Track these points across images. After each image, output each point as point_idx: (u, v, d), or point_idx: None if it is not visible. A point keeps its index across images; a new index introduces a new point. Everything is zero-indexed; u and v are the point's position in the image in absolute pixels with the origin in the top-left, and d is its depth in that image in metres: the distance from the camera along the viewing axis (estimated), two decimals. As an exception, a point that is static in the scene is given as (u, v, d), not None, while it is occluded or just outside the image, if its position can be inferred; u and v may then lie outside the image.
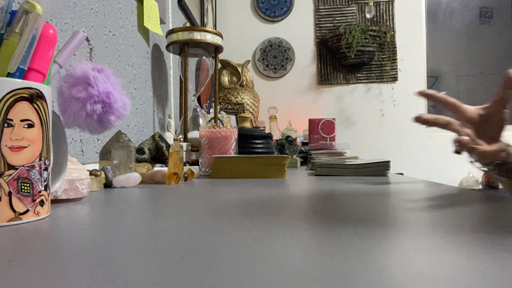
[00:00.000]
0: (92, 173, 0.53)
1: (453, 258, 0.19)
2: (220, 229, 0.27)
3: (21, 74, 0.31)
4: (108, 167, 0.58)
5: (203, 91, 1.99)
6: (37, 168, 0.31)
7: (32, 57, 0.32)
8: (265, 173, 0.76)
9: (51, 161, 0.34)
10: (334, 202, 0.40)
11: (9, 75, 0.30)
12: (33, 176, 0.30)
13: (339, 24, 2.75)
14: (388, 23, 2.73)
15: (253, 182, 0.66)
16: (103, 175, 0.55)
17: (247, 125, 1.38)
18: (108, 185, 0.57)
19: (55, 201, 0.42)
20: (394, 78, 2.72)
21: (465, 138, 0.53)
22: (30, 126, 0.30)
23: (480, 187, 2.64)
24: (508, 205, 0.37)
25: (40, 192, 0.31)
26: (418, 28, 2.73)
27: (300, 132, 2.59)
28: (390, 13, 2.74)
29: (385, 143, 2.72)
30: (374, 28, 2.57)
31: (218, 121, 1.40)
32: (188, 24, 1.35)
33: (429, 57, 2.77)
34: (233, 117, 1.82)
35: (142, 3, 1.17)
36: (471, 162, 0.59)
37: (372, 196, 0.45)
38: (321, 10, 2.79)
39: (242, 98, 2.29)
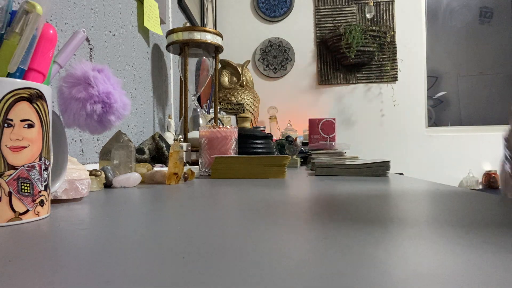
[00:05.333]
0: (92, 173, 0.53)
1: (453, 258, 0.19)
2: (220, 229, 0.27)
3: (21, 74, 0.31)
4: (108, 167, 0.58)
5: (203, 91, 1.99)
6: (37, 168, 0.31)
7: (32, 57, 0.32)
8: (265, 173, 0.76)
9: (51, 161, 0.34)
10: (334, 202, 0.40)
11: (9, 75, 0.30)
12: (33, 176, 0.30)
13: (339, 24, 2.75)
14: (388, 23, 2.73)
15: (253, 182, 0.66)
16: (103, 175, 0.55)
17: (247, 125, 1.38)
18: (108, 185, 0.57)
19: (55, 201, 0.42)
20: (394, 78, 2.72)
21: None
22: (30, 126, 0.30)
23: (480, 187, 2.64)
24: (508, 205, 0.37)
25: (40, 192, 0.31)
26: (418, 28, 2.73)
27: (300, 132, 2.59)
28: (390, 13, 2.74)
29: (385, 143, 2.72)
30: (374, 28, 2.57)
31: (218, 121, 1.40)
32: (188, 24, 1.35)
33: (429, 57, 2.77)
34: (233, 117, 1.82)
35: (142, 3, 1.17)
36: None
37: (372, 196, 0.45)
38: (321, 10, 2.79)
39: (242, 98, 2.29)
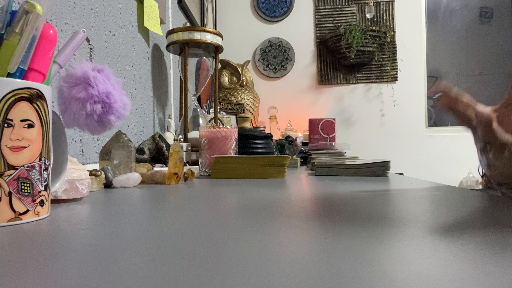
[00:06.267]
0: (92, 173, 0.53)
1: (453, 258, 0.19)
2: (220, 229, 0.27)
3: (21, 74, 0.31)
4: (108, 167, 0.58)
5: (203, 91, 1.99)
6: (37, 168, 0.31)
7: (32, 57, 0.32)
8: (265, 173, 0.76)
9: (51, 161, 0.34)
10: (334, 202, 0.40)
11: (9, 75, 0.30)
12: (33, 176, 0.30)
13: (339, 24, 2.75)
14: (388, 23, 2.73)
15: (253, 182, 0.66)
16: (103, 175, 0.55)
17: (247, 125, 1.38)
18: (108, 185, 0.57)
19: (55, 201, 0.42)
20: (394, 78, 2.72)
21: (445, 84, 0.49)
22: (30, 126, 0.30)
23: (480, 187, 2.64)
24: (508, 205, 0.37)
25: (40, 192, 0.31)
26: (418, 28, 2.73)
27: (300, 132, 2.59)
28: (390, 13, 2.74)
29: (385, 143, 2.72)
30: (374, 28, 2.57)
31: (218, 121, 1.40)
32: (188, 24, 1.35)
33: (429, 57, 2.77)
34: (233, 117, 1.82)
35: (142, 3, 1.17)
36: (482, 176, 0.54)
37: (372, 196, 0.45)
38: (321, 10, 2.79)
39: (242, 98, 2.29)
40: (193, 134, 1.19)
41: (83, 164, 0.79)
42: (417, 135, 2.71)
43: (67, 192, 0.41)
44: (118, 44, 1.01)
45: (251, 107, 2.30)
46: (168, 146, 0.92)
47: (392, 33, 2.70)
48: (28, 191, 0.30)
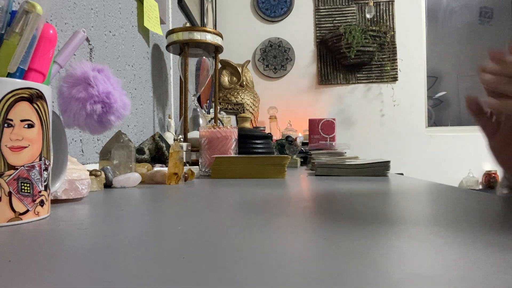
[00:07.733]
0: (92, 173, 0.53)
1: (452, 258, 0.19)
2: (220, 229, 0.27)
3: (21, 74, 0.31)
4: (108, 167, 0.58)
5: (203, 91, 1.99)
6: (37, 168, 0.31)
7: (32, 57, 0.32)
8: (265, 173, 0.76)
9: (51, 161, 0.34)
10: (334, 202, 0.40)
11: (9, 75, 0.30)
12: (33, 176, 0.30)
13: (339, 24, 2.75)
14: (388, 23, 2.73)
15: (253, 182, 0.66)
16: (103, 175, 0.55)
17: (247, 125, 1.38)
18: (108, 185, 0.57)
19: (55, 201, 0.42)
20: (394, 78, 2.72)
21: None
22: (30, 126, 0.30)
23: (480, 187, 2.64)
24: (508, 205, 0.37)
25: (40, 192, 0.31)
26: (418, 28, 2.73)
27: (300, 132, 2.59)
28: (390, 13, 2.74)
29: (385, 143, 2.72)
30: (374, 28, 2.58)
31: (218, 121, 1.40)
32: (188, 24, 1.35)
33: (429, 57, 2.77)
34: (233, 117, 1.82)
35: (142, 3, 1.17)
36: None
37: (372, 196, 0.45)
38: (321, 10, 2.79)
39: (242, 98, 2.29)
40: (193, 134, 1.19)
41: (83, 164, 0.79)
42: (417, 135, 2.71)
43: (67, 192, 0.41)
44: (118, 44, 1.01)
45: (251, 107, 2.30)
46: (168, 146, 0.92)
47: (392, 33, 2.70)
48: (28, 191, 0.30)
